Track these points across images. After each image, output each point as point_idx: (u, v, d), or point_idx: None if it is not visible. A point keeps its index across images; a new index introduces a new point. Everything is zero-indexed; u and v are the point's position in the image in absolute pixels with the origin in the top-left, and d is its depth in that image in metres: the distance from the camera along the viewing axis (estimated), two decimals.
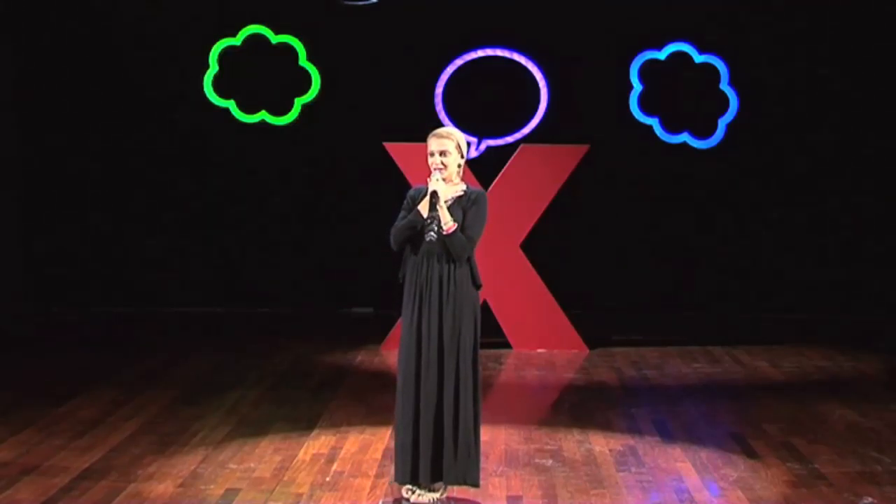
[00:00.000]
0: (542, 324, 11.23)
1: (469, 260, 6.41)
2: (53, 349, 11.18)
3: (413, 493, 6.43)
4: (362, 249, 13.04)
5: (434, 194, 6.31)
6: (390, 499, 6.54)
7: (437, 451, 6.34)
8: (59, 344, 11.49)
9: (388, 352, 10.79)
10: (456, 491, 6.54)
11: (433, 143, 6.38)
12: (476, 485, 6.44)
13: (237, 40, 13.20)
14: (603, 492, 6.71)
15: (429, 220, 6.36)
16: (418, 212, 6.38)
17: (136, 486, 6.68)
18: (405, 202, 6.48)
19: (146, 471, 6.99)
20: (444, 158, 6.35)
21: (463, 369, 6.34)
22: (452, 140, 6.38)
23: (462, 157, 6.42)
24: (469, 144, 12.46)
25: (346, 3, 12.39)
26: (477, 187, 6.68)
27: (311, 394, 9.24)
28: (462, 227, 6.34)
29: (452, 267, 6.37)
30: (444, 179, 6.35)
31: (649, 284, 13.24)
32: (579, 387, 9.75)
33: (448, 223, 6.30)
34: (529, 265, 11.21)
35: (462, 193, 6.42)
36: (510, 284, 11.15)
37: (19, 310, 12.94)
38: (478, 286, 6.44)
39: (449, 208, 6.36)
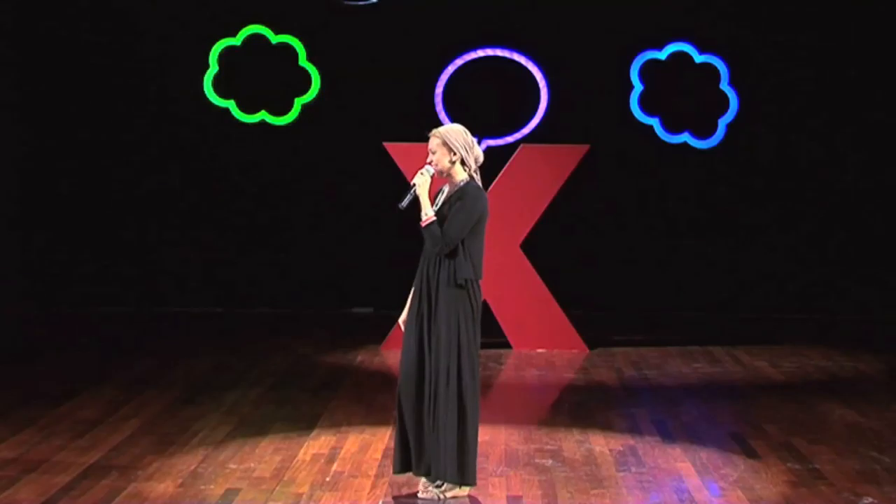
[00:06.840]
0: (542, 324, 11.22)
1: (455, 256, 6.41)
2: (53, 349, 11.18)
3: (426, 488, 6.50)
4: (362, 249, 13.05)
5: (412, 186, 6.43)
6: (390, 499, 6.55)
7: (419, 445, 6.43)
8: (59, 344, 11.49)
9: (388, 352, 10.79)
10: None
11: (429, 143, 6.50)
12: (456, 483, 6.43)
13: (237, 40, 13.20)
14: (603, 492, 6.71)
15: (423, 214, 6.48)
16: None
17: (136, 486, 6.69)
18: None
19: (146, 471, 6.99)
20: (432, 156, 6.47)
21: (447, 366, 6.36)
22: (438, 138, 6.47)
23: (453, 153, 6.44)
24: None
25: (346, 3, 12.39)
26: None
27: (311, 394, 9.23)
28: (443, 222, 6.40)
29: (442, 263, 6.41)
30: (434, 175, 6.44)
31: (649, 284, 13.23)
32: (579, 387, 9.75)
33: (425, 215, 6.39)
34: (529, 265, 11.20)
35: (457, 189, 6.47)
36: (510, 284, 11.14)
37: (19, 310, 12.93)
38: (458, 284, 6.39)
39: (444, 203, 6.44)
